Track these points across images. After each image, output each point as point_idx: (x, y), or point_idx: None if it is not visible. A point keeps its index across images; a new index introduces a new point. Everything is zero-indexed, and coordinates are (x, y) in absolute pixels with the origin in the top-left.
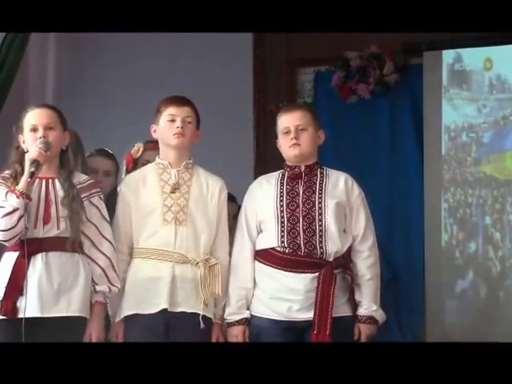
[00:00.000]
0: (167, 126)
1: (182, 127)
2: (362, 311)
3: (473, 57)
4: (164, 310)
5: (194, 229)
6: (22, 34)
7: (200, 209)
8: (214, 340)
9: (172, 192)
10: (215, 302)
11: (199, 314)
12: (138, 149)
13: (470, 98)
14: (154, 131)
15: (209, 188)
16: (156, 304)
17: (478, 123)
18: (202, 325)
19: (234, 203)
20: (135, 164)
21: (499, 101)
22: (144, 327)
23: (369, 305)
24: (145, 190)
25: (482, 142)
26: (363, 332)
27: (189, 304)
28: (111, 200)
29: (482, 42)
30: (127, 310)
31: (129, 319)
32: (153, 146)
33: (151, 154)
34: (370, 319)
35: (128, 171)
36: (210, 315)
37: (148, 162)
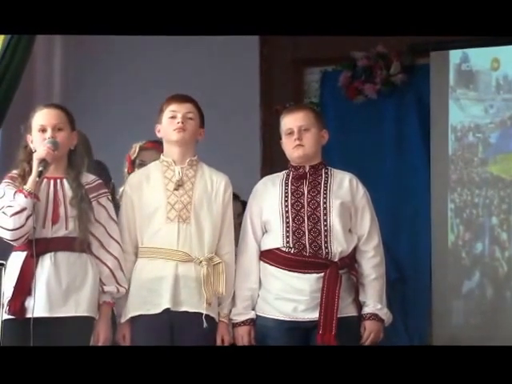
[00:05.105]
0: (169, 122)
1: (182, 122)
2: (367, 309)
3: (480, 57)
4: (167, 310)
5: (197, 227)
6: (28, 36)
7: (204, 206)
8: (218, 339)
9: (175, 189)
10: (219, 301)
11: (202, 314)
12: (134, 149)
13: (477, 98)
14: (159, 131)
15: (213, 185)
16: (159, 304)
17: (485, 123)
18: (204, 324)
19: (238, 201)
20: (133, 165)
21: (506, 101)
22: (149, 328)
23: (373, 304)
24: (148, 188)
25: (489, 143)
26: (368, 328)
27: (192, 303)
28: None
29: (489, 42)
30: (132, 311)
31: (134, 320)
32: (148, 145)
33: (147, 153)
34: (375, 316)
35: (128, 172)
36: (213, 314)
37: (143, 161)
